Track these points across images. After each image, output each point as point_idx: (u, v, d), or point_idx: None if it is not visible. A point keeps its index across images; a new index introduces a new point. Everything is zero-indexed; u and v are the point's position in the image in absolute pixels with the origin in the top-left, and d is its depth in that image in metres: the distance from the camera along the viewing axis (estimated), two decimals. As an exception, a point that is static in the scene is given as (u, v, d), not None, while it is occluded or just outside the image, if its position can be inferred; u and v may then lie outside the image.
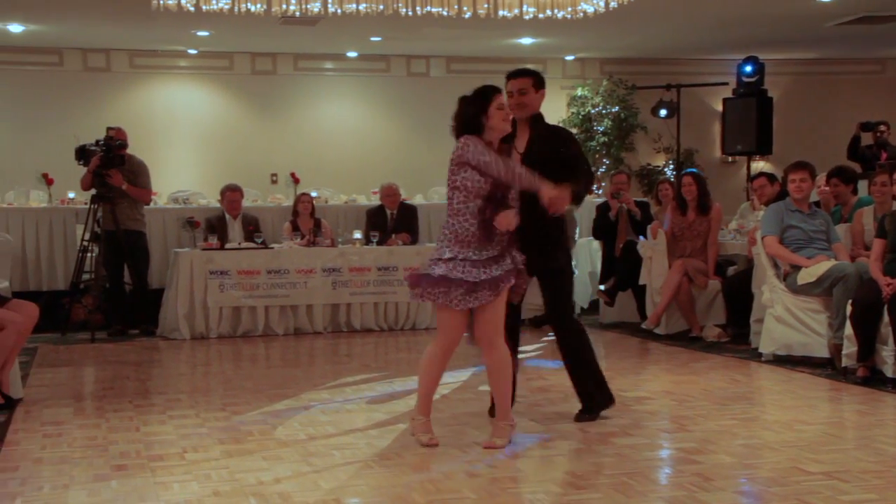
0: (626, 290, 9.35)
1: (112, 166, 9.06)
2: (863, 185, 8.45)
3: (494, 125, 4.76)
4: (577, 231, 9.92)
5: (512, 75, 5.37)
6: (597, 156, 13.31)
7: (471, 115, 4.76)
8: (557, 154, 5.18)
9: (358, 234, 9.60)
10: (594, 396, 5.41)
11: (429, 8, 8.95)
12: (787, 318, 7.16)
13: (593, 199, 11.44)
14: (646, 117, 13.21)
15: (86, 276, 9.31)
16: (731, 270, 8.92)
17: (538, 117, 5.37)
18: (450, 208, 4.74)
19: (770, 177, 8.61)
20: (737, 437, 5.03)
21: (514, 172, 4.70)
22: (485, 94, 4.78)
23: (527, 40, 12.03)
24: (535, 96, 5.31)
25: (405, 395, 6.16)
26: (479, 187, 4.66)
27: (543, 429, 5.24)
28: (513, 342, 5.16)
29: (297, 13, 9.14)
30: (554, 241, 5.28)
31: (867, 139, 11.58)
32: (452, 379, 6.51)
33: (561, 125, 5.33)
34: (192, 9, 8.80)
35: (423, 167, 12.24)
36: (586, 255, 10.53)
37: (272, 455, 4.74)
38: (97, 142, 9.16)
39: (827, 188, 8.15)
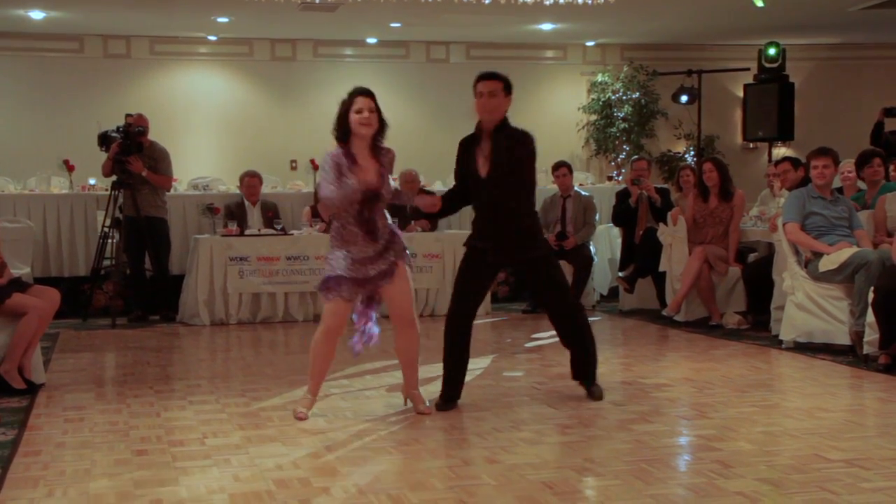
0: (646, 277, 9.33)
1: (131, 153, 9.08)
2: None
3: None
4: (597, 217, 9.89)
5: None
6: (617, 142, 13.26)
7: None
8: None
9: (377, 221, 9.58)
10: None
11: (448, -7, 8.93)
12: (808, 305, 7.12)
13: (613, 186, 11.40)
14: (666, 103, 13.15)
15: (106, 263, 9.37)
16: (751, 257, 8.87)
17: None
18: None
19: (794, 162, 8.54)
20: (757, 424, 5.01)
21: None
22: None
23: (547, 26, 11.98)
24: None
25: (425, 382, 6.16)
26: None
27: (562, 415, 5.24)
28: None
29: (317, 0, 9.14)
30: (530, 232, 5.47)
31: (891, 125, 11.48)
32: (472, 366, 6.49)
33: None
34: (211, -5, 8.82)
35: (443, 154, 12.11)
36: (606, 241, 10.50)
37: (292, 441, 4.75)
38: (118, 128, 9.19)
39: (851, 174, 8.09)
